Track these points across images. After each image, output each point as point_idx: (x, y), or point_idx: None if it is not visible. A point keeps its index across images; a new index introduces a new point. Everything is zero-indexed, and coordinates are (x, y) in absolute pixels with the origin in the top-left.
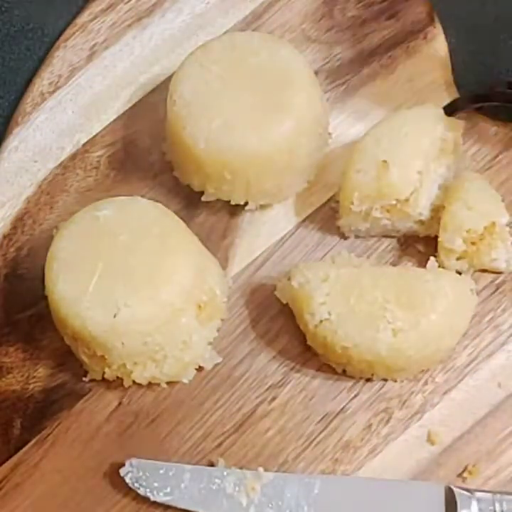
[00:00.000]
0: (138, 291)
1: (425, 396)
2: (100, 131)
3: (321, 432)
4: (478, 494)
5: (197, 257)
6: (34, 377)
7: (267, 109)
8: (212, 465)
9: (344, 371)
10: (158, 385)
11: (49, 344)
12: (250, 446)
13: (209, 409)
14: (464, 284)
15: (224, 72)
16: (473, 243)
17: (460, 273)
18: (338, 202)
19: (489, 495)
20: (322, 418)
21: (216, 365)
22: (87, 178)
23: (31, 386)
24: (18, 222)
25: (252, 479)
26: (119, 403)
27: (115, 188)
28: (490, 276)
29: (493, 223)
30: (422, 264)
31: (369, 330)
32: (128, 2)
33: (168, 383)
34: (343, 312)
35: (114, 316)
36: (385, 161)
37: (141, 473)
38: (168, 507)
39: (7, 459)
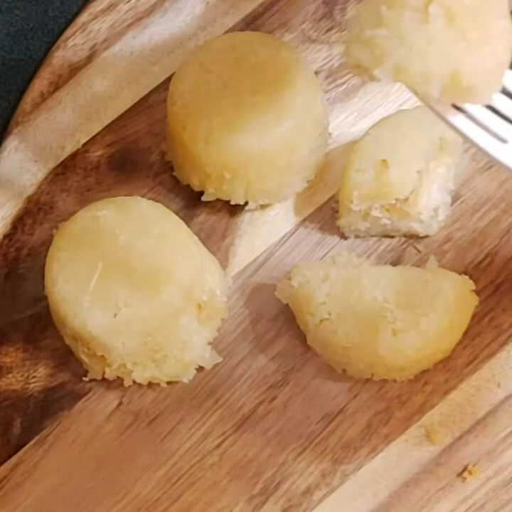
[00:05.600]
0: (138, 291)
1: (425, 396)
2: (100, 131)
3: (321, 432)
4: None
5: (197, 257)
6: (34, 377)
7: (267, 109)
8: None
9: (344, 371)
10: (158, 384)
11: (49, 344)
12: (250, 446)
13: (209, 409)
14: (464, 284)
15: (224, 72)
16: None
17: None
18: (338, 202)
19: None
20: (322, 418)
21: (216, 365)
22: (87, 178)
23: (31, 386)
24: (18, 222)
25: None
26: (119, 403)
27: (115, 188)
28: (490, 276)
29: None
30: (422, 264)
31: (369, 330)
32: (128, 2)
33: (168, 383)
34: (343, 312)
35: (114, 316)
36: (384, 160)
37: None
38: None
39: (7, 459)
